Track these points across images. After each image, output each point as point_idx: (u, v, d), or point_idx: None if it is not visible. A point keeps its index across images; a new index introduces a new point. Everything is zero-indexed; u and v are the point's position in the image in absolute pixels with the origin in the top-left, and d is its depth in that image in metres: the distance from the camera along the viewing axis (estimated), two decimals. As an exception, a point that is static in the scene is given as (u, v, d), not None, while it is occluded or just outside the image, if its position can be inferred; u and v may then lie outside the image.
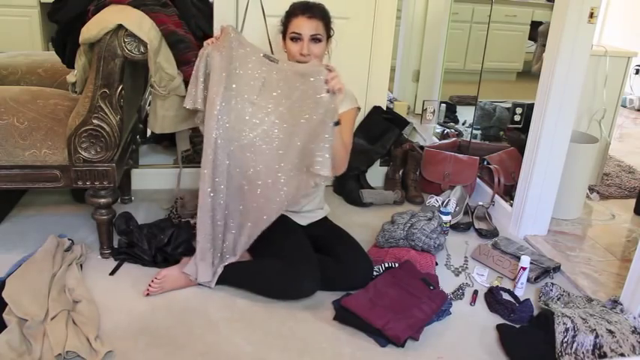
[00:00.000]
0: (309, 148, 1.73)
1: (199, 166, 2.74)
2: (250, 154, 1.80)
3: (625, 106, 5.04)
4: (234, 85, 1.77)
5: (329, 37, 1.92)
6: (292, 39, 1.86)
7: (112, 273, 1.95)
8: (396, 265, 1.98)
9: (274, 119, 1.78)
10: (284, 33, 1.90)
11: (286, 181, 1.79)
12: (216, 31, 2.34)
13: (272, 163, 1.79)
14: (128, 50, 1.76)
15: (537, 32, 3.29)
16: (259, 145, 1.79)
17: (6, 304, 1.63)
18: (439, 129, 3.50)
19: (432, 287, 1.85)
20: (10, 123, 1.83)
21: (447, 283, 2.03)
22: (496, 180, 2.63)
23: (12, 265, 1.87)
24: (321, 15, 1.87)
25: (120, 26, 1.73)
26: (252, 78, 1.78)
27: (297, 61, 1.87)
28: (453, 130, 3.46)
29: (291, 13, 1.88)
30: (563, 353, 1.61)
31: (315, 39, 1.85)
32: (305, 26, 1.83)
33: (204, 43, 1.79)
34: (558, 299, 1.91)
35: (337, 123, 1.73)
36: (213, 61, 1.74)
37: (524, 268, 1.97)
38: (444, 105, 3.61)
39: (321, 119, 1.69)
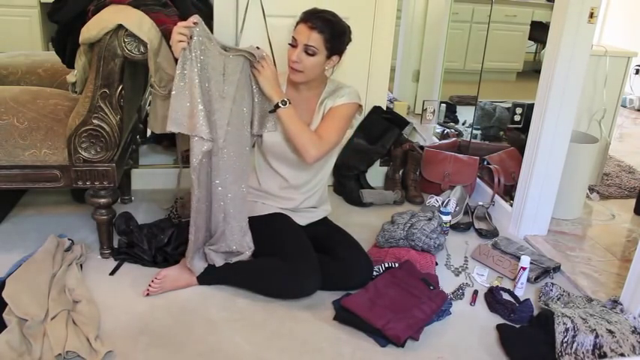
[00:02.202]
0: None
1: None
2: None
3: (625, 106, 5.04)
4: (206, 84, 1.72)
5: (334, 54, 1.85)
6: (290, 44, 1.84)
7: (112, 273, 1.96)
8: (396, 265, 1.98)
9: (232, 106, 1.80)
10: None
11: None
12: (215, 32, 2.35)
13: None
14: (128, 50, 1.76)
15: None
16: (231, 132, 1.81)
17: (6, 304, 1.63)
18: (439, 129, 3.50)
19: (432, 287, 1.85)
20: (10, 123, 1.83)
21: (447, 283, 2.03)
22: (496, 180, 2.63)
23: (12, 265, 1.87)
24: (324, 29, 1.79)
25: (120, 26, 1.73)
26: (218, 73, 1.74)
27: (290, 68, 1.86)
28: (453, 130, 3.46)
29: (299, 19, 1.84)
30: (563, 353, 1.62)
31: (308, 50, 1.80)
32: (302, 34, 1.80)
33: (178, 38, 1.63)
34: (558, 299, 1.91)
35: (276, 107, 1.80)
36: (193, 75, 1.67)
37: (524, 268, 1.97)
38: (444, 105, 3.60)
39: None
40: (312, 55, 1.81)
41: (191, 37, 1.65)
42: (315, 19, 1.80)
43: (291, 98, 1.87)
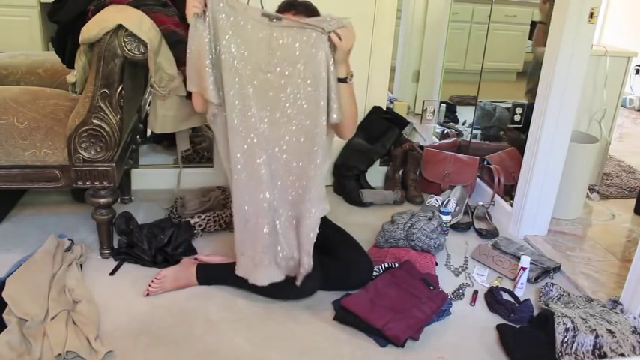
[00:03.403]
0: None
1: (199, 166, 2.75)
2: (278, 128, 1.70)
3: (625, 106, 5.04)
4: (235, 62, 1.64)
5: None
6: None
7: (112, 273, 1.96)
8: (396, 265, 1.98)
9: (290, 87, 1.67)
10: None
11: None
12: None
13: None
14: (128, 50, 1.76)
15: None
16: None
17: (6, 304, 1.63)
18: (439, 129, 3.50)
19: (432, 287, 1.85)
20: (10, 123, 1.83)
21: (447, 283, 2.03)
22: (496, 180, 2.63)
23: (12, 265, 1.87)
24: (307, 12, 1.81)
25: (120, 26, 1.73)
26: (257, 47, 1.65)
27: None
28: (453, 130, 3.46)
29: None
30: (563, 353, 1.62)
31: None
32: None
33: (193, 3, 1.60)
34: (558, 299, 1.91)
35: (344, 80, 1.68)
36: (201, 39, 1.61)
37: (524, 268, 1.97)
38: (444, 105, 3.61)
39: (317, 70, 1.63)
40: None
41: (205, 5, 1.61)
42: (296, 5, 1.81)
43: None
